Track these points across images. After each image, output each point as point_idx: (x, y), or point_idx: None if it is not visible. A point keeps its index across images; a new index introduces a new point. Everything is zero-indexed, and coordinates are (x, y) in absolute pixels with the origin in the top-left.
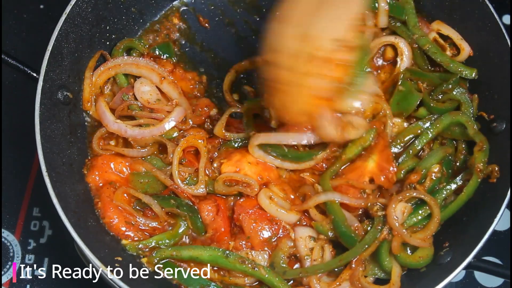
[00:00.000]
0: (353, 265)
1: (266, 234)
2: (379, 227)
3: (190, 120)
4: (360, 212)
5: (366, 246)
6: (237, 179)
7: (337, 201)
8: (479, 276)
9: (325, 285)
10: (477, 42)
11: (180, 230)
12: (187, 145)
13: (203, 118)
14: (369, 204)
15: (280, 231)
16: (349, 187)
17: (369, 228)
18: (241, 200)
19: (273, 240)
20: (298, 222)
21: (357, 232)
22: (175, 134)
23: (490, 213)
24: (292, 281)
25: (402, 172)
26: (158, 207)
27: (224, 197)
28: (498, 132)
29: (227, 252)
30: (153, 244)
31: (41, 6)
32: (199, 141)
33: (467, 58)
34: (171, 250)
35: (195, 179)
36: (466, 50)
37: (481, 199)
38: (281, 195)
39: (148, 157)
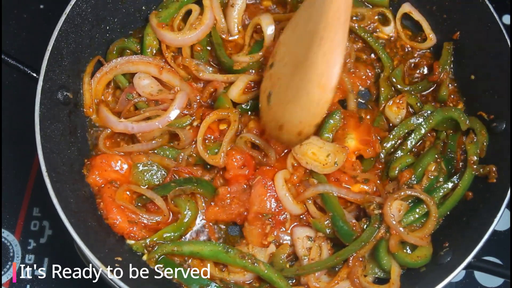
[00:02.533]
0: (350, 263)
1: (267, 207)
2: (376, 225)
3: (194, 103)
4: (357, 212)
5: (363, 243)
6: (258, 144)
7: (334, 194)
8: (479, 276)
9: (324, 284)
10: (477, 42)
11: (185, 220)
12: (216, 117)
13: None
14: (366, 204)
15: (281, 216)
16: (341, 173)
17: (365, 226)
18: (267, 167)
19: (269, 220)
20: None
21: (354, 229)
22: (188, 122)
23: (490, 213)
24: (291, 281)
25: (397, 170)
26: (161, 201)
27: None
28: (498, 132)
29: (228, 247)
30: (158, 239)
31: (41, 6)
32: (230, 114)
33: (467, 57)
34: (171, 245)
35: (216, 151)
36: (432, 41)
37: (481, 199)
38: (294, 178)
39: (156, 151)
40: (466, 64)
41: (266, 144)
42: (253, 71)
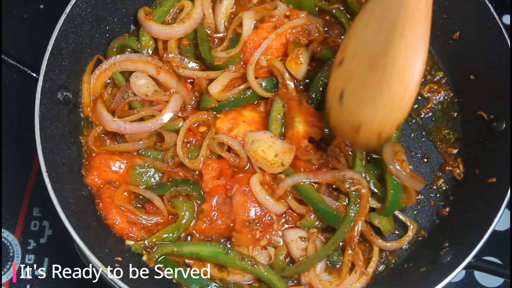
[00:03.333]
0: (352, 247)
1: (252, 213)
2: (357, 200)
3: (189, 106)
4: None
5: (352, 221)
6: (230, 145)
7: (304, 182)
8: (479, 276)
9: (326, 284)
10: (477, 42)
11: (183, 222)
12: (195, 120)
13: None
14: (339, 183)
15: (267, 217)
16: (296, 160)
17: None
18: (241, 174)
19: (257, 225)
20: (286, 223)
21: (339, 210)
22: (180, 125)
23: (490, 213)
24: (292, 282)
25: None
26: (159, 201)
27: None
28: (498, 132)
29: (227, 248)
30: (157, 240)
31: (41, 6)
32: (209, 117)
33: (468, 58)
34: (171, 246)
35: (196, 154)
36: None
37: (481, 199)
38: (267, 178)
39: (142, 151)
40: (466, 64)
41: (238, 144)
42: (233, 67)
